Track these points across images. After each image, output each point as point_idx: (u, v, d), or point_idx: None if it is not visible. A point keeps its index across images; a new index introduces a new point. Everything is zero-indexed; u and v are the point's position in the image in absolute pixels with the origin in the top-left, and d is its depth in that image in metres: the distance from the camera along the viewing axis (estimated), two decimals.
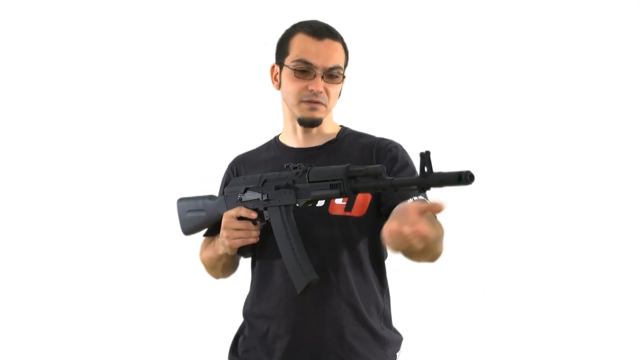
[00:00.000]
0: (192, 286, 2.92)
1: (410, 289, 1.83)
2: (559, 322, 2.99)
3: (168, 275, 3.04)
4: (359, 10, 3.10)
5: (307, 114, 1.63)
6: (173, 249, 2.84)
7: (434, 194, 1.66)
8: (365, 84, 2.77)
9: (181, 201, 1.80)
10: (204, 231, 1.80)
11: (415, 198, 1.56)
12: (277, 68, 1.68)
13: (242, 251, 1.64)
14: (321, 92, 1.60)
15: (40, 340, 3.09)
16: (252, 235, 1.60)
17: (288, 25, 1.68)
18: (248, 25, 3.09)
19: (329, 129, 1.69)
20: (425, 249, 1.36)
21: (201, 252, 1.81)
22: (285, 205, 1.55)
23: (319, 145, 1.67)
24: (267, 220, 1.59)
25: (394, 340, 1.66)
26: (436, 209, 1.29)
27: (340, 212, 1.59)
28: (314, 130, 1.67)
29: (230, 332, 1.75)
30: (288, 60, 1.63)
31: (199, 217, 1.75)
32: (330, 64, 1.60)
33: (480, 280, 3.00)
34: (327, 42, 1.61)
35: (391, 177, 1.39)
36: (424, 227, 1.27)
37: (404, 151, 1.66)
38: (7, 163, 3.17)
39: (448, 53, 3.11)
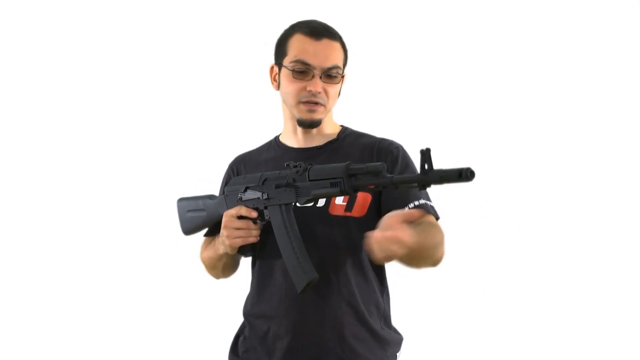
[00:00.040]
0: (192, 286, 2.92)
1: (410, 289, 1.83)
2: (559, 322, 3.00)
3: (168, 275, 3.04)
4: (359, 10, 3.10)
5: (306, 116, 1.62)
6: (173, 249, 2.85)
7: (435, 191, 1.68)
8: (365, 83, 2.77)
9: (181, 201, 1.80)
10: (204, 231, 1.80)
11: (414, 204, 1.57)
12: (276, 69, 1.68)
13: (243, 250, 1.64)
14: (320, 93, 1.60)
15: (40, 340, 3.09)
16: (252, 235, 1.59)
17: (288, 25, 1.68)
18: (248, 25, 3.09)
19: (330, 129, 1.69)
20: (416, 256, 1.44)
21: (201, 252, 1.80)
22: (286, 204, 1.55)
23: (320, 146, 1.67)
24: (268, 220, 1.58)
25: (394, 341, 1.66)
26: (415, 216, 1.34)
27: (340, 212, 1.59)
28: (314, 130, 1.67)
29: (230, 332, 1.75)
30: (286, 61, 1.62)
31: (199, 216, 1.75)
32: (329, 64, 1.60)
33: (480, 280, 3.00)
34: (325, 42, 1.61)
35: (391, 175, 1.39)
36: (402, 233, 1.31)
37: (405, 152, 1.66)
38: (7, 163, 3.17)
39: (448, 53, 3.11)
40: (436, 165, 1.30)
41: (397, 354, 1.68)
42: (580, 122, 3.07)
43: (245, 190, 1.63)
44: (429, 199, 1.62)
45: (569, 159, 3.06)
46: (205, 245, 1.80)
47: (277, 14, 2.97)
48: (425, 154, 1.30)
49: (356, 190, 1.45)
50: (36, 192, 3.16)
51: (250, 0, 3.14)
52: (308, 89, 1.60)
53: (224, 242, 1.61)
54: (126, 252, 3.10)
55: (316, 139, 1.68)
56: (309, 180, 1.50)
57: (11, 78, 3.18)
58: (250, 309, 1.68)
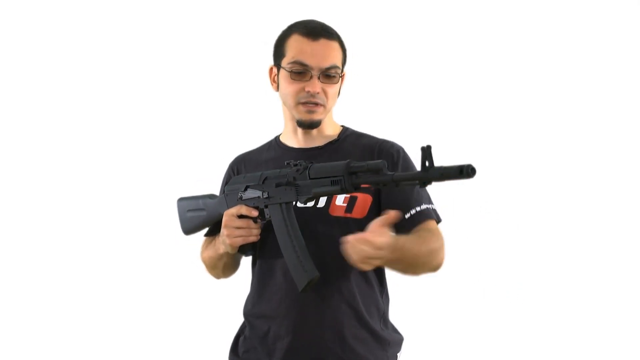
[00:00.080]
0: (192, 286, 2.92)
1: (410, 289, 1.83)
2: (559, 322, 2.99)
3: (168, 275, 3.04)
4: (359, 10, 3.10)
5: (305, 116, 1.62)
6: (173, 249, 2.85)
7: (435, 192, 1.67)
8: (365, 84, 2.77)
9: (181, 201, 1.80)
10: (205, 231, 1.80)
11: (415, 210, 1.58)
12: (274, 70, 1.68)
13: (243, 250, 1.63)
14: (318, 93, 1.60)
15: (40, 340, 3.09)
16: (253, 234, 1.59)
17: (287, 26, 1.67)
18: (248, 25, 3.09)
19: (330, 129, 1.69)
20: (412, 263, 1.49)
21: (202, 252, 1.80)
22: (286, 203, 1.55)
23: (320, 146, 1.67)
24: (268, 218, 1.58)
25: (395, 341, 1.66)
26: (392, 217, 1.37)
27: (340, 213, 1.58)
28: (315, 131, 1.66)
29: (230, 332, 1.75)
30: (284, 62, 1.62)
31: (199, 216, 1.75)
32: (327, 64, 1.59)
33: (480, 280, 3.00)
34: (323, 42, 1.60)
35: (392, 172, 1.39)
36: (370, 234, 1.36)
37: (405, 154, 1.66)
38: (8, 163, 3.17)
39: (448, 53, 3.11)
40: (436, 164, 1.30)
41: (398, 354, 1.68)
42: (580, 122, 3.07)
43: (245, 189, 1.63)
44: (430, 203, 1.62)
45: (569, 159, 3.06)
46: (206, 245, 1.80)
47: (277, 14, 2.97)
48: (426, 151, 1.29)
49: (357, 188, 1.44)
50: (36, 192, 3.16)
51: (250, 0, 3.14)
52: (306, 89, 1.59)
53: (225, 241, 1.60)
54: (126, 252, 3.10)
55: (317, 140, 1.67)
56: (310, 179, 1.50)
57: (11, 78, 3.18)
58: (251, 309, 1.68)
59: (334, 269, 1.55)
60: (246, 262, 1.77)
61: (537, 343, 2.99)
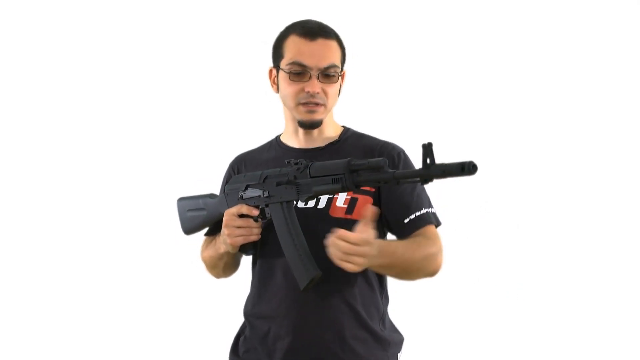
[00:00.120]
0: (192, 286, 2.92)
1: (410, 289, 1.83)
2: (559, 322, 2.99)
3: (168, 275, 3.04)
4: (359, 9, 3.10)
5: (306, 117, 1.62)
6: (173, 249, 2.84)
7: (435, 192, 1.67)
8: (366, 83, 2.77)
9: (181, 200, 1.80)
10: (205, 230, 1.79)
11: (414, 215, 1.58)
12: (274, 71, 1.68)
13: (244, 249, 1.63)
14: (318, 93, 1.59)
15: (40, 340, 3.09)
16: (253, 233, 1.59)
17: (285, 26, 1.67)
18: (248, 25, 3.09)
19: (331, 130, 1.69)
20: (406, 268, 1.51)
21: (202, 252, 1.80)
22: (287, 202, 1.54)
23: (321, 147, 1.67)
24: (269, 217, 1.58)
25: (395, 341, 1.65)
26: (370, 214, 1.41)
27: (341, 214, 1.58)
28: (316, 131, 1.66)
29: (230, 332, 1.75)
30: (283, 63, 1.62)
31: (199, 216, 1.75)
32: (325, 64, 1.59)
33: (480, 281, 2.99)
34: (321, 42, 1.60)
35: (393, 170, 1.39)
36: (342, 231, 1.39)
37: (406, 157, 1.66)
38: (7, 163, 3.16)
39: (448, 53, 3.11)
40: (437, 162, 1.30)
41: (398, 354, 1.68)
42: (580, 122, 3.07)
43: (245, 189, 1.62)
44: (430, 206, 1.62)
45: (569, 159, 3.06)
46: (206, 245, 1.79)
47: (277, 14, 2.97)
48: (427, 148, 1.29)
49: (358, 187, 1.44)
50: (36, 192, 3.16)
51: (250, 0, 3.14)
52: (306, 90, 1.59)
53: (225, 240, 1.60)
54: (126, 252, 3.10)
55: (317, 140, 1.67)
56: (310, 177, 1.49)
57: (11, 78, 3.18)
58: (251, 309, 1.68)
59: (334, 270, 1.53)
60: (246, 261, 1.77)
61: (537, 343, 2.99)
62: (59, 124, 3.17)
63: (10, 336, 3.09)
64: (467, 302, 3.00)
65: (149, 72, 3.16)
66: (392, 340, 1.64)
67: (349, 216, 1.58)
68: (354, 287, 1.60)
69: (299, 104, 1.61)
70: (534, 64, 3.09)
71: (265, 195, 1.58)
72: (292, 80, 1.60)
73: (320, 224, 1.57)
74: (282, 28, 1.67)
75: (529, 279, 3.01)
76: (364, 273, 1.58)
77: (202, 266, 1.82)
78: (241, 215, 1.59)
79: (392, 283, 1.69)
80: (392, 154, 1.63)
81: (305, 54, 1.59)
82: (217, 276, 1.81)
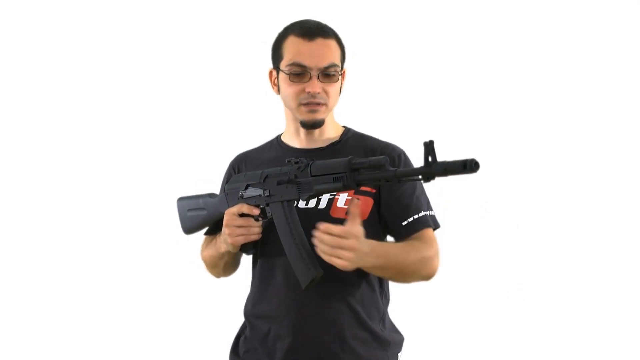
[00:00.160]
0: (192, 286, 2.92)
1: (410, 289, 1.82)
2: (559, 322, 2.99)
3: (168, 275, 3.04)
4: (359, 9, 3.10)
5: (308, 117, 1.62)
6: (173, 248, 2.84)
7: (436, 192, 1.67)
8: (366, 83, 2.77)
9: (181, 200, 1.79)
10: (204, 230, 1.79)
11: (413, 218, 1.58)
12: (274, 73, 1.68)
13: (245, 248, 1.63)
14: (319, 93, 1.59)
15: (40, 340, 3.09)
16: (254, 232, 1.59)
17: (284, 27, 1.67)
18: (248, 25, 3.09)
19: (332, 130, 1.69)
20: (400, 270, 1.52)
21: (202, 251, 1.80)
22: (288, 201, 1.54)
23: (322, 147, 1.66)
24: (270, 217, 1.57)
25: (395, 341, 1.66)
26: (356, 208, 1.41)
27: (341, 215, 1.58)
28: (317, 131, 1.66)
29: (231, 332, 1.75)
30: (283, 65, 1.62)
31: (199, 215, 1.74)
32: (325, 64, 1.59)
33: (480, 281, 2.99)
34: (319, 42, 1.60)
35: (395, 168, 1.39)
36: (326, 225, 1.40)
37: (407, 159, 1.65)
38: (7, 163, 3.16)
39: (448, 53, 3.11)
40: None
41: (399, 354, 1.68)
42: (580, 122, 3.07)
43: (246, 188, 1.62)
44: (429, 209, 1.62)
45: (569, 159, 3.06)
46: (206, 244, 1.79)
47: (277, 13, 2.97)
48: (429, 146, 1.29)
49: (359, 185, 1.43)
50: (36, 192, 3.16)
51: (250, 0, 3.14)
52: (307, 90, 1.59)
53: (226, 240, 1.60)
54: (126, 252, 3.10)
55: (318, 140, 1.67)
56: (311, 176, 1.49)
57: (11, 78, 3.18)
58: (251, 310, 1.68)
59: (334, 270, 1.54)
60: (246, 261, 1.77)
61: (537, 343, 2.99)
62: (59, 124, 3.18)
63: (10, 336, 3.09)
64: (467, 302, 3.00)
65: (149, 72, 3.16)
66: (392, 341, 1.64)
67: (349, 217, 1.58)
68: (354, 287, 1.59)
69: (300, 104, 1.61)
70: (533, 64, 3.09)
71: (266, 195, 1.57)
72: (293, 81, 1.60)
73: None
74: (281, 28, 1.67)
75: (529, 279, 3.01)
76: (364, 273, 1.58)
77: (202, 266, 1.81)
78: (242, 215, 1.59)
79: (392, 283, 1.69)
80: (392, 155, 1.63)
81: (305, 54, 1.59)
82: (217, 275, 1.81)
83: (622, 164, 3.05)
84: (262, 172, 1.60)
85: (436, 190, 1.65)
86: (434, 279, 1.62)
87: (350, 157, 1.44)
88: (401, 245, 1.55)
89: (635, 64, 3.07)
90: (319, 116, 1.62)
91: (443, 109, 3.07)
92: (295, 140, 1.69)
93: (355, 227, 1.41)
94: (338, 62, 1.62)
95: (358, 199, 1.59)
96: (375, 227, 1.60)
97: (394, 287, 1.70)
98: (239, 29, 3.12)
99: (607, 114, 3.07)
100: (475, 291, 3.00)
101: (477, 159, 1.24)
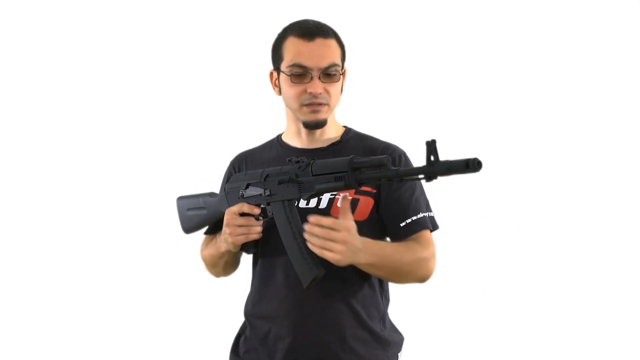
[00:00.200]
0: (192, 286, 2.91)
1: (411, 289, 1.82)
2: (559, 322, 2.99)
3: (168, 274, 3.04)
4: (359, 9, 3.10)
5: (310, 117, 1.61)
6: (173, 248, 2.84)
7: (436, 192, 1.67)
8: (366, 83, 2.77)
9: (181, 199, 1.79)
10: (204, 229, 1.79)
11: (411, 219, 1.58)
12: (275, 74, 1.67)
13: (245, 247, 1.63)
14: (320, 93, 1.59)
15: (40, 340, 3.09)
16: (255, 231, 1.58)
17: (283, 27, 1.66)
18: (248, 25, 3.09)
19: (332, 130, 1.68)
20: (395, 270, 1.52)
21: (202, 250, 1.79)
22: (289, 200, 1.53)
23: (323, 147, 1.66)
24: (271, 216, 1.57)
25: (395, 341, 1.65)
26: (343, 203, 1.43)
27: None
28: (318, 132, 1.66)
29: (231, 332, 1.74)
30: (283, 66, 1.62)
31: (199, 215, 1.74)
32: (325, 64, 1.58)
33: (480, 281, 2.99)
34: (319, 42, 1.59)
35: (397, 167, 1.38)
36: (314, 217, 1.41)
37: (407, 159, 1.65)
38: (7, 163, 3.16)
39: (448, 53, 3.11)
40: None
41: (399, 354, 1.68)
42: (580, 123, 3.07)
43: (247, 187, 1.61)
44: (428, 210, 1.62)
45: (569, 159, 3.06)
46: (206, 244, 1.79)
47: (276, 13, 2.97)
48: (431, 146, 1.29)
49: (360, 184, 1.43)
50: (36, 192, 3.16)
51: (250, 0, 3.14)
52: (308, 91, 1.59)
53: (227, 239, 1.59)
54: (126, 252, 3.09)
55: (319, 140, 1.67)
56: (312, 175, 1.48)
57: (11, 78, 3.18)
58: (251, 310, 1.68)
59: (335, 270, 1.54)
60: (246, 261, 1.77)
61: (537, 343, 2.99)
62: (60, 124, 3.17)
63: (10, 336, 3.09)
64: (467, 302, 3.00)
65: (149, 72, 3.16)
66: (392, 340, 1.64)
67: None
68: (355, 287, 1.59)
69: (302, 105, 1.60)
70: (533, 64, 3.09)
71: (266, 194, 1.57)
72: (294, 82, 1.60)
73: None
74: (281, 28, 1.66)
75: (529, 279, 3.01)
76: (364, 274, 1.58)
77: (202, 265, 1.81)
78: (242, 214, 1.58)
79: (392, 283, 1.69)
80: (393, 155, 1.62)
81: (305, 55, 1.58)
82: (217, 275, 1.81)
83: (622, 164, 3.05)
84: (263, 171, 1.60)
85: (436, 190, 1.65)
86: (434, 278, 1.62)
87: (351, 156, 1.43)
88: (397, 245, 1.55)
89: (635, 65, 3.06)
90: (321, 116, 1.62)
91: (443, 109, 3.07)
92: (296, 140, 1.69)
93: (346, 221, 1.42)
94: (339, 62, 1.62)
95: (358, 198, 1.59)
96: (375, 227, 1.60)
97: (393, 288, 1.70)
98: (239, 29, 3.12)
99: (606, 114, 3.07)
100: (475, 291, 3.00)
101: (480, 159, 1.23)
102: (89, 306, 3.10)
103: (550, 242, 3.02)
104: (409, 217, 1.58)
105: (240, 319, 1.73)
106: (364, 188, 1.58)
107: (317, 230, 1.41)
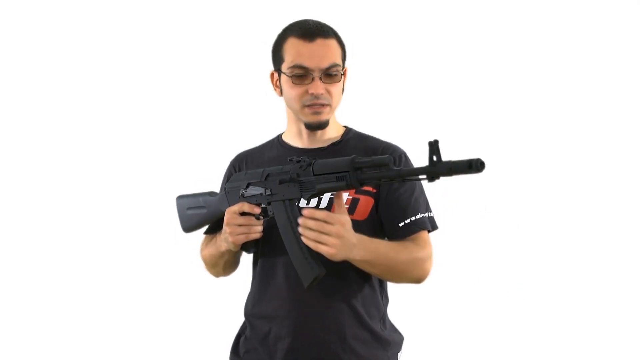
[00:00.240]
0: (192, 286, 2.91)
1: (410, 289, 1.83)
2: (558, 322, 3.00)
3: (168, 274, 3.04)
4: (359, 9, 3.10)
5: (312, 118, 1.61)
6: (173, 248, 2.84)
7: (436, 192, 1.67)
8: (366, 83, 2.77)
9: (180, 198, 1.78)
10: (204, 229, 1.78)
11: (409, 220, 1.58)
12: (276, 75, 1.67)
13: (246, 247, 1.62)
14: (322, 94, 1.59)
15: (40, 340, 3.08)
16: (255, 231, 1.57)
17: (283, 28, 1.66)
18: (248, 25, 3.09)
19: (333, 130, 1.68)
20: (391, 268, 1.52)
21: (202, 250, 1.79)
22: (290, 199, 1.52)
23: (323, 147, 1.66)
24: (271, 215, 1.56)
25: (395, 341, 1.65)
26: (337, 198, 1.44)
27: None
28: (319, 132, 1.66)
29: (231, 332, 1.74)
30: (284, 67, 1.61)
31: (199, 214, 1.73)
32: (326, 64, 1.58)
33: (480, 281, 2.99)
34: (320, 42, 1.59)
35: (399, 167, 1.38)
36: (308, 210, 1.42)
37: (408, 159, 1.65)
38: (7, 163, 3.16)
39: (449, 54, 3.11)
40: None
41: (399, 354, 1.68)
42: (580, 123, 3.07)
43: (247, 187, 1.61)
44: (428, 211, 1.62)
45: (569, 159, 3.06)
46: (206, 243, 1.78)
47: (276, 13, 2.97)
48: (434, 146, 1.28)
49: (362, 184, 1.42)
50: (36, 192, 3.15)
51: (250, 0, 3.14)
52: (310, 92, 1.58)
53: (227, 239, 1.59)
54: (126, 252, 3.09)
55: (320, 140, 1.67)
56: (314, 175, 1.47)
57: (11, 78, 3.18)
58: (252, 310, 1.67)
59: (335, 269, 1.54)
60: (246, 261, 1.76)
61: (537, 343, 2.99)
62: (60, 124, 3.17)
63: (10, 336, 3.09)
64: (467, 302, 3.00)
65: (149, 72, 3.16)
66: (392, 340, 1.64)
67: (350, 216, 1.56)
68: (355, 286, 1.59)
69: (304, 106, 1.60)
70: (533, 65, 3.09)
71: (267, 193, 1.56)
72: (295, 84, 1.60)
73: None
74: (281, 27, 1.66)
75: (529, 279, 3.01)
76: (364, 274, 1.58)
77: (202, 265, 1.81)
78: (243, 213, 1.58)
79: (391, 283, 1.69)
80: (394, 155, 1.62)
81: (305, 55, 1.58)
82: (217, 275, 1.80)
83: (621, 164, 3.05)
84: (264, 170, 1.59)
85: (436, 190, 1.65)
86: (433, 278, 1.62)
87: (353, 156, 1.43)
88: (393, 243, 1.55)
89: (635, 65, 3.07)
90: (323, 118, 1.61)
91: (443, 109, 3.07)
92: (297, 140, 1.69)
93: (340, 215, 1.42)
94: (339, 62, 1.61)
95: (358, 198, 1.59)
96: (375, 227, 1.60)
97: (393, 288, 1.70)
98: (239, 29, 3.12)
99: (606, 114, 3.07)
100: (475, 291, 3.00)
101: (483, 159, 1.23)
102: (89, 306, 3.10)
103: (550, 242, 3.02)
104: (408, 218, 1.58)
105: (240, 319, 1.73)
106: (364, 187, 1.57)
107: (310, 223, 1.41)
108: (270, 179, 1.56)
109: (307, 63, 1.58)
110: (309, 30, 1.59)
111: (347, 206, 1.58)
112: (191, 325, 3.02)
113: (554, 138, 3.07)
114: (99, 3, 3.17)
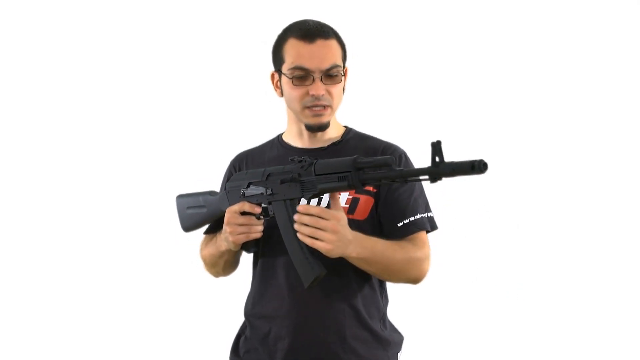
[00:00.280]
0: (192, 286, 2.91)
1: (410, 289, 1.83)
2: (558, 322, 3.00)
3: (168, 274, 3.03)
4: (359, 9, 3.10)
5: (313, 120, 1.61)
6: (173, 248, 2.84)
7: (436, 192, 1.67)
8: (367, 83, 2.77)
9: (180, 198, 1.78)
10: (204, 229, 1.78)
11: (408, 220, 1.58)
12: (276, 76, 1.67)
13: (246, 247, 1.62)
14: (323, 95, 1.58)
15: (40, 340, 3.08)
16: (255, 230, 1.57)
17: (283, 28, 1.66)
18: (248, 25, 3.09)
19: (333, 130, 1.68)
20: (387, 266, 1.52)
21: (202, 250, 1.79)
22: (291, 199, 1.52)
23: (324, 147, 1.66)
24: (272, 215, 1.56)
25: (395, 341, 1.65)
26: (332, 195, 1.45)
27: None
28: (319, 132, 1.66)
29: (231, 332, 1.74)
30: (285, 68, 1.61)
31: (199, 213, 1.73)
32: (327, 65, 1.58)
33: (480, 281, 2.99)
34: (320, 43, 1.58)
35: (401, 168, 1.38)
36: (303, 205, 1.43)
37: (408, 159, 1.65)
38: (7, 163, 3.16)
39: (449, 54, 3.11)
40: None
41: (399, 354, 1.68)
42: (580, 123, 3.07)
43: (248, 186, 1.60)
44: (427, 211, 1.62)
45: (569, 159, 3.06)
46: (206, 243, 1.78)
47: (276, 13, 2.97)
48: (436, 146, 1.28)
49: (364, 185, 1.42)
50: (36, 192, 3.15)
51: (250, 0, 3.14)
52: (311, 93, 1.58)
53: (227, 238, 1.59)
54: (126, 251, 3.09)
55: (320, 140, 1.67)
56: (315, 175, 1.47)
57: (11, 78, 3.18)
58: (252, 309, 1.67)
59: (335, 269, 1.54)
60: (246, 261, 1.76)
61: (537, 343, 2.99)
62: (60, 124, 3.17)
63: (10, 336, 3.09)
64: (467, 302, 3.00)
65: (149, 72, 3.16)
66: (392, 340, 1.64)
67: (350, 216, 1.57)
68: (355, 286, 1.59)
69: (305, 107, 1.60)
70: (534, 65, 3.09)
71: (268, 193, 1.56)
72: (296, 85, 1.59)
73: None
74: (282, 27, 1.66)
75: (529, 279, 3.01)
76: (364, 273, 1.58)
77: (201, 265, 1.81)
78: (243, 213, 1.57)
79: (390, 283, 1.69)
80: (394, 155, 1.62)
81: (306, 57, 1.58)
82: (217, 275, 1.80)
83: (621, 164, 3.05)
84: (265, 170, 1.59)
85: (436, 190, 1.65)
86: (433, 278, 1.62)
87: (355, 156, 1.43)
88: (390, 242, 1.54)
89: (635, 65, 3.07)
90: (324, 119, 1.61)
91: (443, 109, 3.07)
92: (298, 140, 1.69)
93: (335, 210, 1.42)
94: (340, 62, 1.61)
95: (358, 197, 1.59)
96: (376, 227, 1.60)
97: (393, 288, 1.70)
98: (239, 29, 3.12)
99: (606, 114, 3.07)
100: (474, 291, 3.00)
101: (485, 160, 1.23)
102: (89, 306, 3.10)
103: (550, 242, 3.02)
104: (407, 218, 1.58)
105: (240, 319, 1.72)
106: (367, 187, 1.57)
107: (305, 219, 1.42)
108: (271, 179, 1.56)
109: (307, 64, 1.57)
110: (309, 31, 1.59)
111: (347, 206, 1.58)
112: (191, 326, 3.02)
113: (553, 138, 3.07)
114: (99, 3, 3.17)
